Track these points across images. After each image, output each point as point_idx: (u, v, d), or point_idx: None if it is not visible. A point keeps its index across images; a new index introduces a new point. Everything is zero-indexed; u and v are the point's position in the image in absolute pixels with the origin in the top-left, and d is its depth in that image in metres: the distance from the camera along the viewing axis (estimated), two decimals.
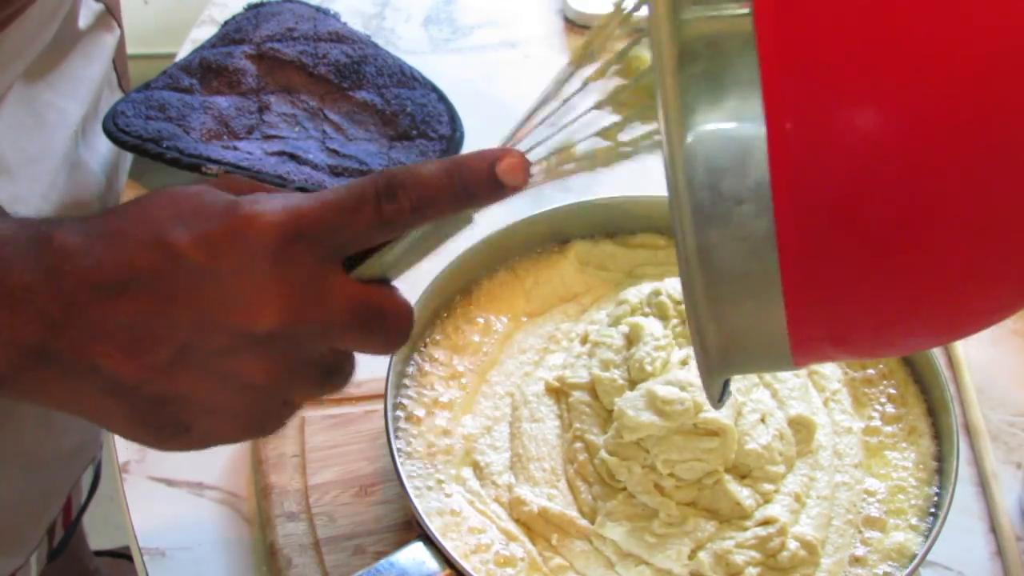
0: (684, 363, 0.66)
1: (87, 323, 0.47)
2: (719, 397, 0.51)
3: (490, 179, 0.48)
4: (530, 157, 0.49)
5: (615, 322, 0.70)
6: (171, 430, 0.50)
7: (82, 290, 0.47)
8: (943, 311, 0.45)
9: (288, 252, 0.47)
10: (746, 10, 0.40)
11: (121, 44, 0.92)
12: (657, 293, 0.70)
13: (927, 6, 0.40)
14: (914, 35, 0.40)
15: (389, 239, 0.50)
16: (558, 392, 0.69)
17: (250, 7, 0.96)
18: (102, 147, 0.90)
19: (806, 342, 0.45)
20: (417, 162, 0.49)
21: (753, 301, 0.43)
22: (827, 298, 0.43)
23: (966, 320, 0.46)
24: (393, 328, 0.51)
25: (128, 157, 0.89)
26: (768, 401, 0.68)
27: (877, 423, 0.71)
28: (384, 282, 0.51)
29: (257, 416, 0.51)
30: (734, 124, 0.40)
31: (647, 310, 0.70)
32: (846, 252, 0.42)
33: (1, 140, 0.78)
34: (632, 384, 0.67)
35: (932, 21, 0.40)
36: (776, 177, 0.40)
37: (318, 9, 0.97)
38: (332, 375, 0.51)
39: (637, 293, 0.71)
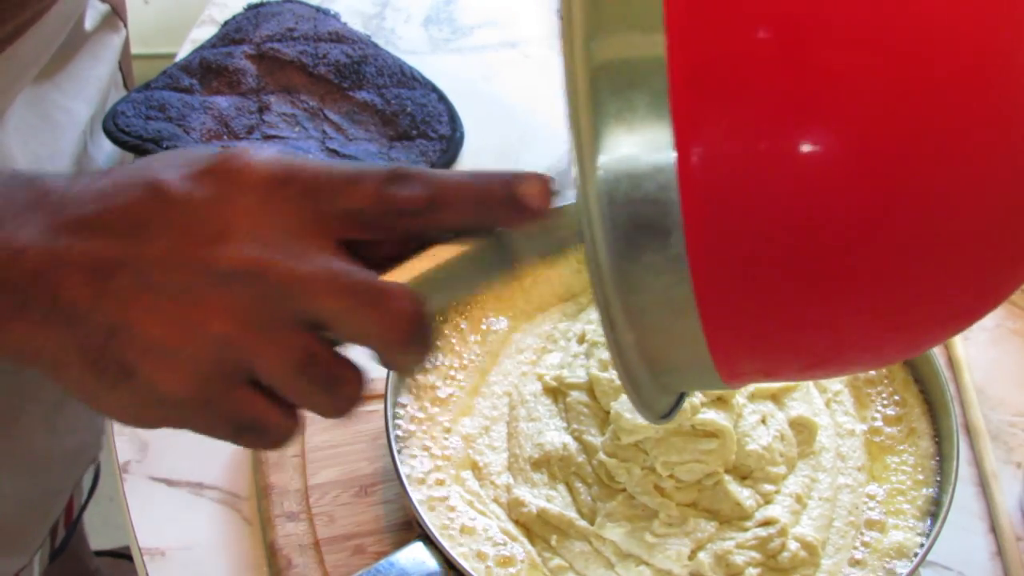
0: None
1: (52, 251, 0.44)
2: (668, 412, 0.51)
3: (509, 197, 0.45)
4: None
5: None
6: (114, 373, 0.44)
7: (54, 220, 0.44)
8: (868, 351, 0.45)
9: (276, 190, 0.44)
10: (660, 51, 0.39)
11: (126, 45, 0.92)
12: None
13: (852, 32, 0.39)
14: (833, 72, 0.39)
15: (401, 237, 0.46)
16: (556, 392, 0.69)
17: (250, 7, 0.96)
18: (110, 147, 0.90)
19: (736, 376, 0.45)
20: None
21: (681, 349, 0.43)
22: (751, 348, 0.44)
23: (889, 356, 0.48)
24: (396, 315, 0.43)
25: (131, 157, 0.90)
26: (768, 402, 0.68)
27: (879, 424, 0.71)
28: None
29: (209, 377, 0.44)
30: (652, 191, 0.39)
31: None
32: (762, 314, 0.42)
33: (10, 142, 0.78)
34: None
35: (853, 52, 0.39)
36: (692, 244, 0.40)
37: (318, 9, 0.97)
38: (316, 367, 0.44)
39: None
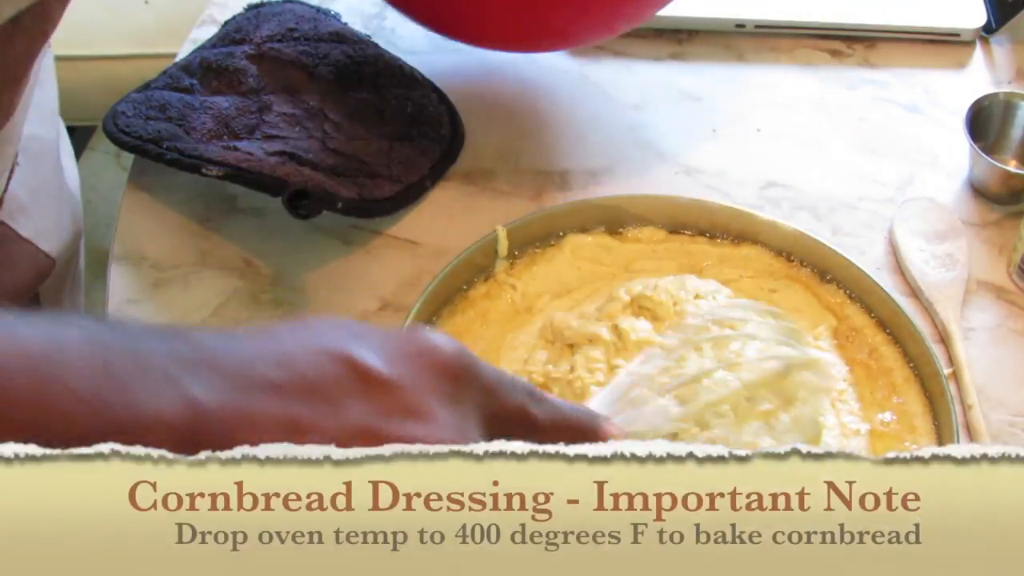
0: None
1: (246, 413, 0.45)
2: None
3: (597, 436, 0.53)
4: None
5: (605, 317, 0.71)
6: None
7: (239, 381, 0.45)
8: None
9: (461, 383, 0.49)
10: None
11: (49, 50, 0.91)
12: (646, 298, 0.70)
13: None
14: None
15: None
16: (545, 389, 0.69)
17: (250, 7, 0.96)
18: (73, 167, 0.90)
19: None
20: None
21: None
22: None
23: None
24: None
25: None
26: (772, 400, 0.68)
27: (884, 420, 0.71)
28: None
29: None
30: None
31: (644, 303, 0.71)
32: None
33: (11, 180, 0.78)
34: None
35: None
36: None
37: (319, 9, 0.97)
38: None
39: (628, 291, 0.71)
